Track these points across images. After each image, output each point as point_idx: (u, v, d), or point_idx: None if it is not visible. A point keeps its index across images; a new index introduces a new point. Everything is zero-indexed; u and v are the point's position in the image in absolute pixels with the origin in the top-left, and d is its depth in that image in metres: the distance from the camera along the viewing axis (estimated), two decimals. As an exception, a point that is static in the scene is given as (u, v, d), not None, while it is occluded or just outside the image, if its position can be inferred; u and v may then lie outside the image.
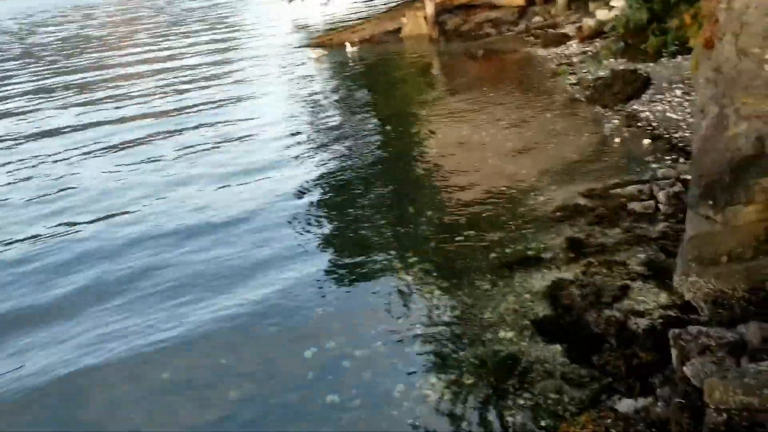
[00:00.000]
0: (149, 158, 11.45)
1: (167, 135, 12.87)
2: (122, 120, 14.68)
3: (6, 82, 23.02)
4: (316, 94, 15.14)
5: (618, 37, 9.81)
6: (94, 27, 44.33)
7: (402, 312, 6.02)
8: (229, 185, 9.66)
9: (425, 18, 19.85)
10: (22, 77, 23.79)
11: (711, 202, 4.47)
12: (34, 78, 23.26)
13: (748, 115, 4.14)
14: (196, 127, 13.21)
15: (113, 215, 9.08)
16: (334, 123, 12.40)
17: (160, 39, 30.83)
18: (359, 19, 25.79)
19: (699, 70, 5.23)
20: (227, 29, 32.17)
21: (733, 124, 4.31)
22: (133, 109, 15.79)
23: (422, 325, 5.75)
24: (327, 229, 7.93)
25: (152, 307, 6.60)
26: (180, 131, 13.05)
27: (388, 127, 11.82)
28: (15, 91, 20.86)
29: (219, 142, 11.95)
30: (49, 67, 26.09)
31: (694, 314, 5.09)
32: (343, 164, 9.93)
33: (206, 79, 18.46)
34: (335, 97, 14.80)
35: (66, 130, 14.53)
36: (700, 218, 4.65)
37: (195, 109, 14.92)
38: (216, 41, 26.90)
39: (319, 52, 19.84)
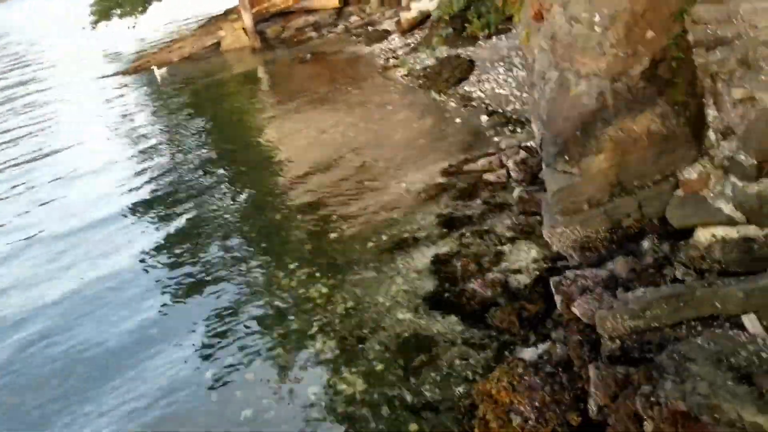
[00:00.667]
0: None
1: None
2: None
3: None
4: (139, 127, 13.65)
5: (446, 24, 10.41)
6: None
7: (296, 316, 6.00)
8: (71, 252, 8.25)
9: (244, 29, 19.62)
10: None
11: (567, 158, 4.93)
12: None
13: (587, 74, 4.62)
14: (13, 189, 11.22)
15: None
16: (169, 156, 11.23)
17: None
18: (173, 39, 24.94)
19: (530, 41, 5.71)
20: (27, 68, 29.58)
21: (574, 85, 4.78)
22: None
23: (319, 323, 5.76)
24: (199, 261, 7.39)
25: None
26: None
27: (231, 145, 11.40)
28: None
29: (45, 202, 10.22)
30: None
31: (564, 261, 5.60)
32: (193, 196, 9.17)
33: (8, 132, 15.99)
34: (161, 125, 13.60)
35: None
36: (558, 174, 5.10)
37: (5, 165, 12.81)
38: (15, 85, 24.13)
39: (130, 79, 18.93)
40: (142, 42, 27.05)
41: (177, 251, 7.71)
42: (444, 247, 6.41)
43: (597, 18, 4.45)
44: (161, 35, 27.43)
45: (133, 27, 26.08)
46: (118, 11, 25.49)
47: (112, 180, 10.51)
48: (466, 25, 12.12)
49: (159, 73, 18.48)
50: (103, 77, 21.14)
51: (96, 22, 26.29)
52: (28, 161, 12.70)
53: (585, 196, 5.01)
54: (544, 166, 6.36)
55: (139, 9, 24.97)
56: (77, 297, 7.13)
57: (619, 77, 4.52)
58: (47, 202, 10.17)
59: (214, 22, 23.46)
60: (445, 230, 6.71)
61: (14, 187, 11.31)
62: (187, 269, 7.25)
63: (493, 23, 7.86)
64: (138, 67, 20.26)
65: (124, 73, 20.63)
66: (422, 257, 6.34)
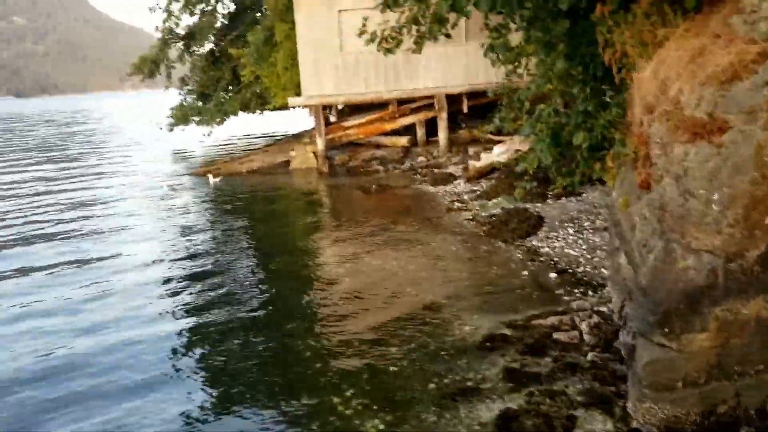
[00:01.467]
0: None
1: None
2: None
3: None
4: (195, 239, 13.29)
5: (530, 178, 10.69)
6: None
7: (350, 449, 5.70)
8: (106, 372, 7.50)
9: (315, 153, 20.46)
10: None
11: (666, 330, 4.75)
12: None
13: (698, 249, 4.56)
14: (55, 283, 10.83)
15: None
16: (221, 276, 10.59)
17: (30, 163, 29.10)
18: (245, 151, 26.15)
19: (631, 208, 5.74)
20: (101, 156, 31.18)
21: (680, 257, 4.71)
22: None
23: (374, 463, 5.45)
24: (248, 382, 7.12)
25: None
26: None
27: (286, 266, 11.16)
28: None
29: (91, 305, 9.68)
30: None
31: (644, 441, 5.26)
32: (245, 321, 8.72)
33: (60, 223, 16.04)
34: (217, 237, 13.45)
35: None
36: (653, 346, 4.90)
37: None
38: (84, 175, 24.95)
39: (196, 182, 19.68)
40: (214, 149, 28.42)
41: (224, 378, 7.20)
42: (511, 403, 6.10)
43: (716, 196, 4.46)
44: (232, 146, 28.80)
45: (209, 135, 27.58)
46: (197, 118, 27.05)
47: (159, 296, 9.80)
48: (535, 183, 12.41)
49: (212, 181, 19.26)
50: (171, 176, 22.03)
51: (173, 125, 27.91)
52: (74, 262, 12.04)
53: (680, 374, 4.78)
54: (624, 335, 6.19)
55: (217, 120, 26.45)
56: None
57: (734, 258, 4.44)
58: (94, 305, 9.59)
59: (285, 141, 24.63)
60: (511, 385, 6.43)
61: (56, 280, 11.05)
62: (234, 395, 6.89)
63: (576, 183, 8.01)
64: (207, 172, 21.09)
65: (193, 174, 21.50)
66: (487, 410, 6.04)
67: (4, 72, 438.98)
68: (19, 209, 17.58)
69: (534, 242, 10.69)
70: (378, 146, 21.56)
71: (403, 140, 21.03)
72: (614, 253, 6.88)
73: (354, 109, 23.28)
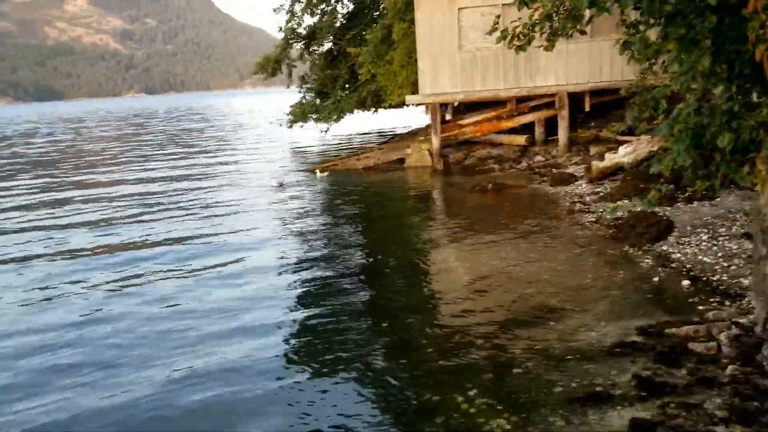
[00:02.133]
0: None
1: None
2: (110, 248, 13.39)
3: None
4: (304, 229, 13.91)
5: (665, 180, 10.25)
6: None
7: (476, 448, 5.70)
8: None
9: (429, 151, 20.54)
10: None
11: (827, 347, 4.42)
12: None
13: None
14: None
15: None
16: (337, 267, 10.89)
17: (143, 159, 31.07)
18: (362, 148, 26.69)
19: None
20: (226, 150, 32.84)
21: None
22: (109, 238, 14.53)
23: (502, 463, 5.43)
24: (377, 367, 7.37)
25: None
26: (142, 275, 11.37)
27: (404, 258, 11.33)
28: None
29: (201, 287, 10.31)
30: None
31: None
32: (367, 309, 9.01)
33: (172, 209, 17.33)
34: (326, 230, 13.90)
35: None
36: (810, 363, 4.57)
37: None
38: (204, 165, 26.62)
39: (311, 177, 20.33)
40: (331, 146, 29.20)
41: (346, 373, 7.27)
42: (644, 413, 5.87)
43: None
44: (348, 143, 29.45)
45: (326, 131, 28.36)
46: (315, 116, 27.90)
47: (280, 301, 9.64)
48: (671, 186, 11.81)
49: (320, 176, 19.82)
50: (289, 172, 22.86)
51: (293, 122, 28.92)
52: (196, 268, 11.65)
53: (842, 395, 4.43)
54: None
55: (334, 117, 27.15)
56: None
57: None
58: (220, 312, 9.35)
59: (400, 139, 24.89)
60: (644, 394, 6.18)
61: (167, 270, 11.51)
62: (357, 387, 6.98)
63: (717, 187, 7.53)
64: (322, 168, 21.70)
65: (309, 171, 22.20)
66: (618, 418, 5.85)
67: (137, 71, 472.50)
68: (146, 207, 18.35)
69: (664, 247, 10.22)
70: (494, 145, 21.34)
71: (521, 139, 20.68)
72: (760, 261, 6.49)
73: (470, 106, 23.17)
